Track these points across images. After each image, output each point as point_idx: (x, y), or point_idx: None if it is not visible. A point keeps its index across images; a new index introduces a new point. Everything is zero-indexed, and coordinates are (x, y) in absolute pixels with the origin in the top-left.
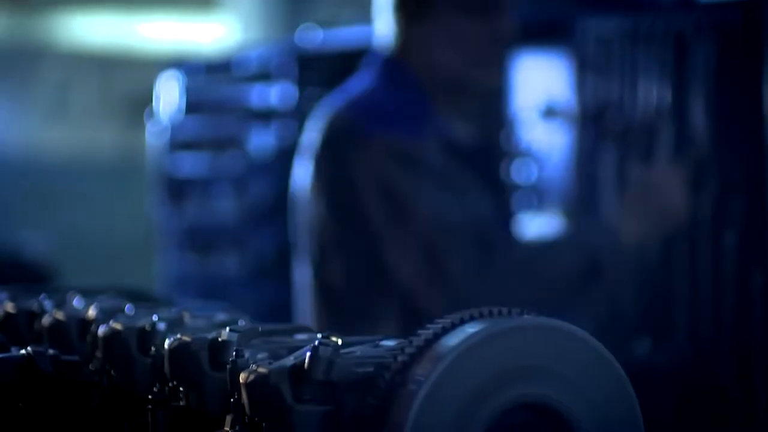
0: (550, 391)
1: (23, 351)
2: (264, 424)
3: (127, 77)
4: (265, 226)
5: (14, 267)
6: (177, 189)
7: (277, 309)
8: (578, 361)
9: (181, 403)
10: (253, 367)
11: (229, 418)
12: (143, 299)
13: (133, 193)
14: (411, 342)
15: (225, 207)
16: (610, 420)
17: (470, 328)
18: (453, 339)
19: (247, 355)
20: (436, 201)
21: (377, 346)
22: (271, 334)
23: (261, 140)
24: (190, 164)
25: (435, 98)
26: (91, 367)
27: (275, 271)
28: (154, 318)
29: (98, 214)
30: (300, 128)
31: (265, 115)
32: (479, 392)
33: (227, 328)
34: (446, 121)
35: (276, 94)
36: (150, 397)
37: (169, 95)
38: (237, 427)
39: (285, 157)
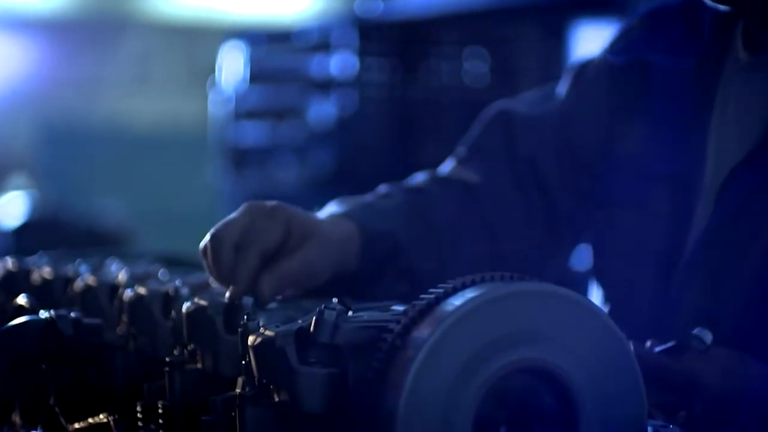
0: (549, 355)
1: (46, 314)
2: (271, 386)
3: (209, 48)
4: (325, 195)
5: (91, 234)
6: (240, 158)
7: None
8: (578, 327)
9: (198, 366)
10: (261, 330)
11: (240, 380)
12: (182, 264)
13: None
14: (414, 306)
15: (286, 176)
16: (611, 385)
17: (471, 293)
18: (453, 303)
19: (261, 319)
20: None
21: (387, 310)
22: (290, 300)
23: (321, 110)
24: (253, 133)
25: None
26: (117, 331)
27: None
28: (177, 283)
29: (177, 182)
30: (360, 98)
31: (325, 85)
32: (478, 356)
33: None
34: None
35: (336, 64)
36: (167, 359)
37: (232, 65)
38: (247, 389)
39: (345, 126)
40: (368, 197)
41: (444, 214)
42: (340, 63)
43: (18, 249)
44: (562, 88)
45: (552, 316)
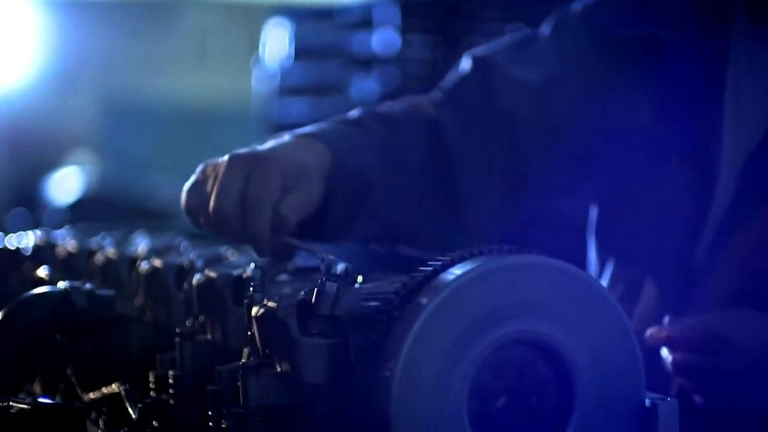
0: (546, 327)
1: (61, 286)
2: (274, 357)
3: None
4: None
5: (144, 210)
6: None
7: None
8: (576, 299)
9: (207, 337)
10: (264, 301)
11: (246, 351)
12: (207, 238)
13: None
14: (413, 278)
15: None
16: (608, 357)
17: (468, 265)
18: (450, 275)
19: (269, 291)
20: None
21: (392, 282)
22: (301, 272)
23: (363, 87)
24: (296, 110)
25: None
26: (135, 303)
27: None
28: (192, 255)
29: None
30: (402, 75)
31: (367, 62)
32: (473, 328)
33: (252, 265)
34: None
35: (378, 40)
36: (178, 330)
37: (276, 42)
38: (252, 359)
39: None
40: (341, 121)
41: (413, 154)
42: (382, 40)
43: (72, 224)
44: (543, 43)
45: (549, 289)
